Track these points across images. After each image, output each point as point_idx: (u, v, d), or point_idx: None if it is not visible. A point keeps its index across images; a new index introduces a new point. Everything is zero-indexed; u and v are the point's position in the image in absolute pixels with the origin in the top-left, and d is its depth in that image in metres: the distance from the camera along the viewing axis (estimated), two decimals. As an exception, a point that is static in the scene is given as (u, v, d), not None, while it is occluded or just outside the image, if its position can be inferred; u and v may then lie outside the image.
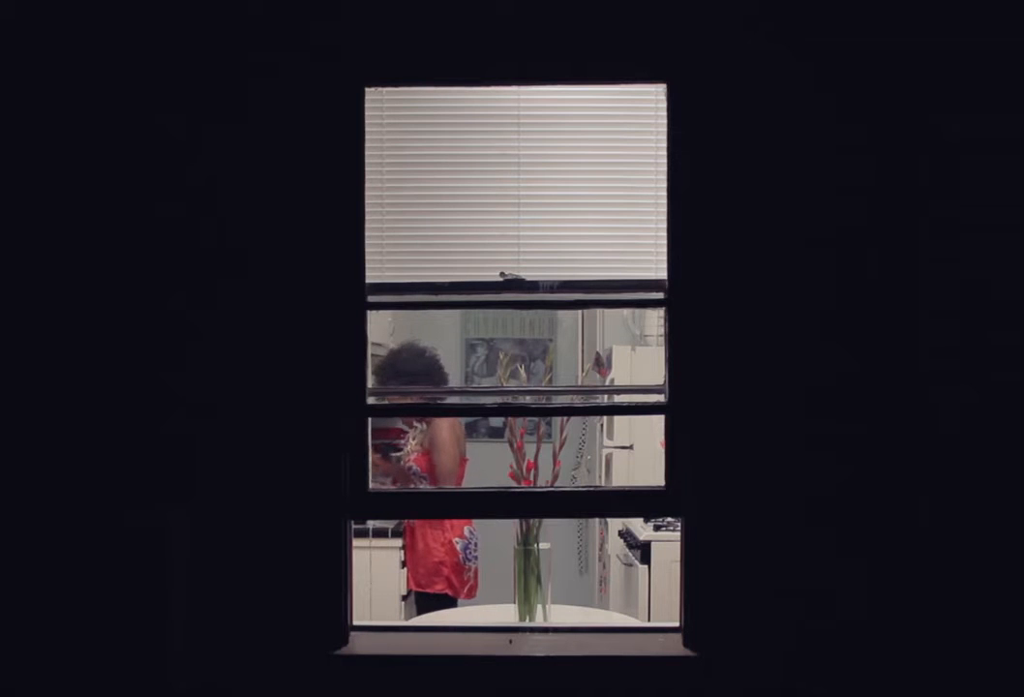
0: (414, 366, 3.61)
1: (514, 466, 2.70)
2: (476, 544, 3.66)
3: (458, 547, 3.59)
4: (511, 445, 2.74)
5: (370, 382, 1.93)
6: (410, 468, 3.65)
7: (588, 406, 2.60)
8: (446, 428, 3.57)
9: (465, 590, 3.60)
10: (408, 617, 3.73)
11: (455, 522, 3.59)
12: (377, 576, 3.65)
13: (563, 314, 5.62)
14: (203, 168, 1.86)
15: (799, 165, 1.84)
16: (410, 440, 3.71)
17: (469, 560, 3.62)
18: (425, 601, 3.55)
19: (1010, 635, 1.82)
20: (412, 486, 3.59)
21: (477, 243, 1.93)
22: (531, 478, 2.69)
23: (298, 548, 1.86)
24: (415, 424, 3.67)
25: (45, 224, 1.85)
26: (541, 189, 1.92)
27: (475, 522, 3.68)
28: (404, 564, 3.89)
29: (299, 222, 1.86)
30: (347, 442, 1.89)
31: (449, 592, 3.58)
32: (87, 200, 1.85)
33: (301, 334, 1.86)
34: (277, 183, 1.86)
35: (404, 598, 3.94)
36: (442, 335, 5.26)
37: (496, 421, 5.28)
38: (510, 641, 1.95)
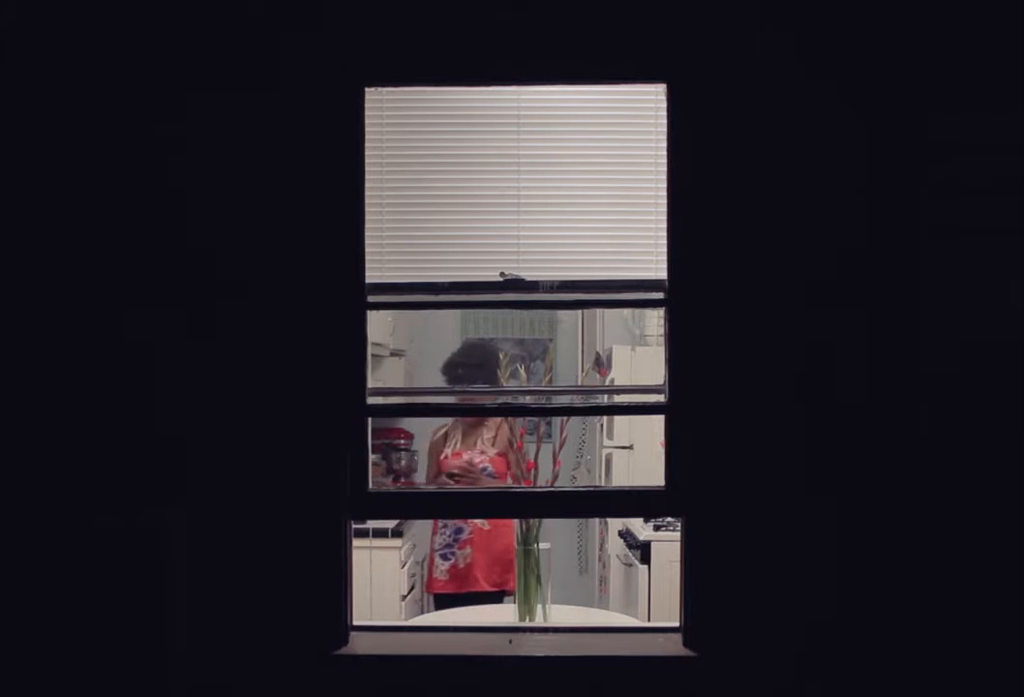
0: (473, 358, 3.71)
1: (514, 466, 2.70)
2: None
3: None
4: (511, 445, 2.74)
5: (371, 382, 1.93)
6: (484, 469, 3.66)
7: (588, 406, 2.59)
8: (507, 430, 3.61)
9: None
10: (408, 617, 3.74)
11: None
12: (377, 576, 3.65)
13: (563, 314, 5.62)
14: (202, 168, 1.86)
15: (799, 164, 1.84)
16: (479, 440, 3.73)
17: None
18: (484, 599, 3.53)
19: (1012, 635, 1.82)
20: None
21: (477, 243, 1.93)
22: (531, 478, 2.69)
23: (298, 548, 1.86)
24: (486, 422, 3.71)
25: (38, 225, 1.85)
26: (541, 189, 1.92)
27: None
28: (404, 564, 3.89)
29: (299, 222, 1.86)
30: (347, 442, 1.89)
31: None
32: (81, 202, 1.85)
33: (301, 334, 1.86)
34: (277, 183, 1.86)
35: (404, 598, 3.94)
36: (442, 335, 5.26)
37: (496, 421, 5.27)
38: (510, 641, 1.95)
